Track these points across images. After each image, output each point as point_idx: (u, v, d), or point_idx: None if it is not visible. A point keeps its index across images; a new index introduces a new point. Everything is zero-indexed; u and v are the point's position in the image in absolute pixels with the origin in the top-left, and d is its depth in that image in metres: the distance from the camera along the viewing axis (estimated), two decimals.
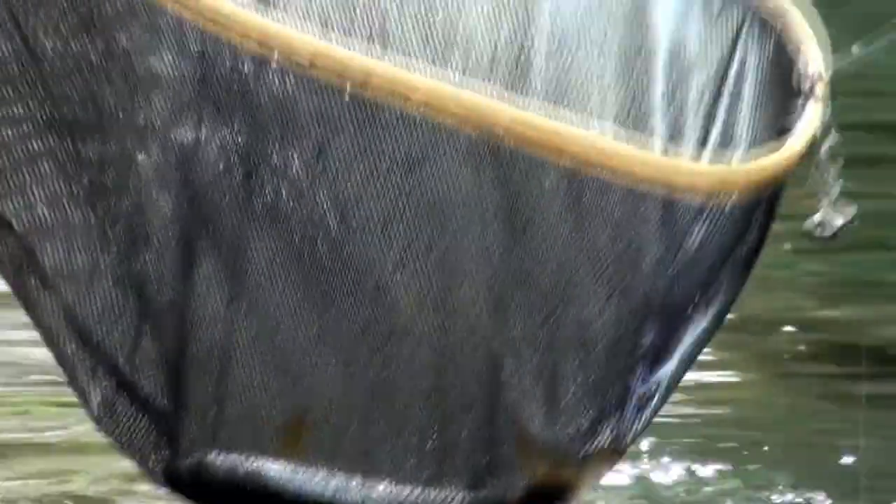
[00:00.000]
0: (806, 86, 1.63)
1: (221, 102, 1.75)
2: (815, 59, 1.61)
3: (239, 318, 1.71)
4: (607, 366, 1.71)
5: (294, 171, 1.73)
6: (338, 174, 1.70)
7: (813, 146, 1.64)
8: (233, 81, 1.74)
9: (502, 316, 1.69)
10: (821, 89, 1.60)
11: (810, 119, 1.60)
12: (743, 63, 1.72)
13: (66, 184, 1.81)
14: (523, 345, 1.70)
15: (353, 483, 1.75)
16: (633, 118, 1.77)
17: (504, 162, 1.70)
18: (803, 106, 1.62)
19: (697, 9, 1.73)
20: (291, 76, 1.73)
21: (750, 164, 1.62)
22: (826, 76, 1.61)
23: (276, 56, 1.73)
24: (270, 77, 1.72)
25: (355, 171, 1.70)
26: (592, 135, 1.71)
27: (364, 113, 1.72)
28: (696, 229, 1.73)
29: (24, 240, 1.80)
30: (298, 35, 1.75)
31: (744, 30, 1.71)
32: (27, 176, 1.80)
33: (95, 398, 1.84)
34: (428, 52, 1.79)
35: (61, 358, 1.83)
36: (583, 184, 1.72)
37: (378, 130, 1.72)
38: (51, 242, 1.78)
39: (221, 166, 1.74)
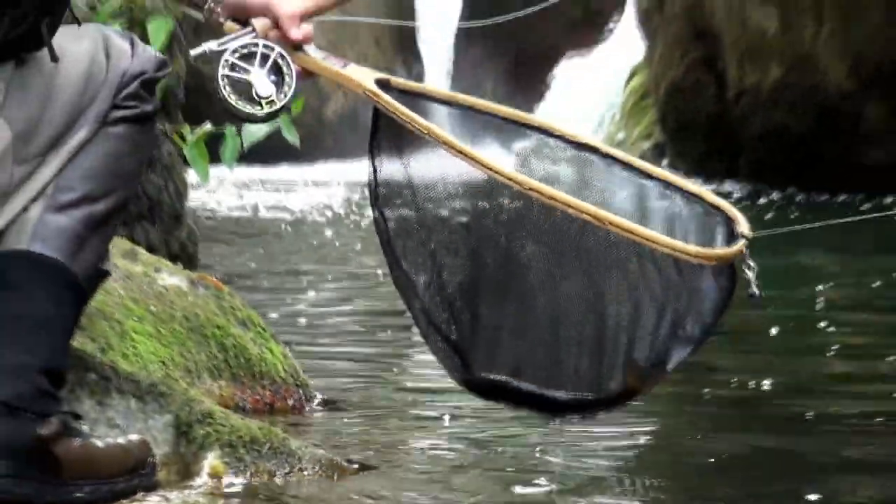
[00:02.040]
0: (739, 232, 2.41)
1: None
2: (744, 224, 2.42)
3: (497, 310, 2.59)
4: (655, 343, 2.51)
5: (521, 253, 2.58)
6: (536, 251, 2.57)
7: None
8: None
9: (605, 317, 2.52)
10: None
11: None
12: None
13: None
14: (619, 329, 2.51)
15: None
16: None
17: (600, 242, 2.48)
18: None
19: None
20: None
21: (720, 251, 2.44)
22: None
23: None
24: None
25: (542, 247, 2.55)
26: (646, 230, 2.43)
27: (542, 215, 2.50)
28: (696, 279, 2.44)
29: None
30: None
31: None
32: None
33: (433, 345, 2.65)
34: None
35: (419, 326, 2.66)
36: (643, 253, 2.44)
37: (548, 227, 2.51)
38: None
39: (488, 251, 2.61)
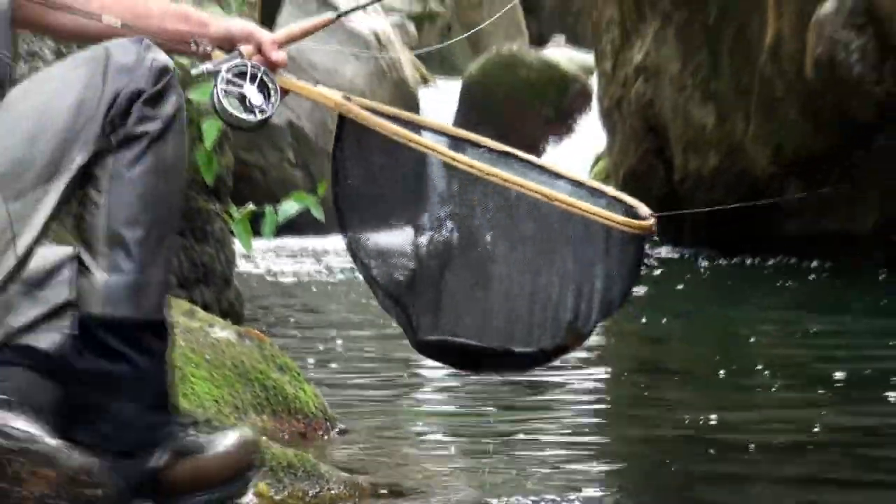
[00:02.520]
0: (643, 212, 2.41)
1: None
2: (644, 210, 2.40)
3: (445, 276, 2.46)
4: (576, 303, 2.39)
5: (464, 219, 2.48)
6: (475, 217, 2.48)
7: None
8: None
9: (537, 273, 2.41)
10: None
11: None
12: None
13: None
14: (548, 286, 2.40)
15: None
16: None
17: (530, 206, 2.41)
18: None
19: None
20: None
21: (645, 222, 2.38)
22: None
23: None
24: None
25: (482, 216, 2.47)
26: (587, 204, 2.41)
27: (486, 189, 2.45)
28: (610, 247, 2.39)
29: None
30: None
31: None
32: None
33: (388, 310, 2.50)
34: None
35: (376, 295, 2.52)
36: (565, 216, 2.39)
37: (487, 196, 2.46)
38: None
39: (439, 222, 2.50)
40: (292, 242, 10.53)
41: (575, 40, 17.79)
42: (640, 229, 2.37)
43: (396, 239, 2.50)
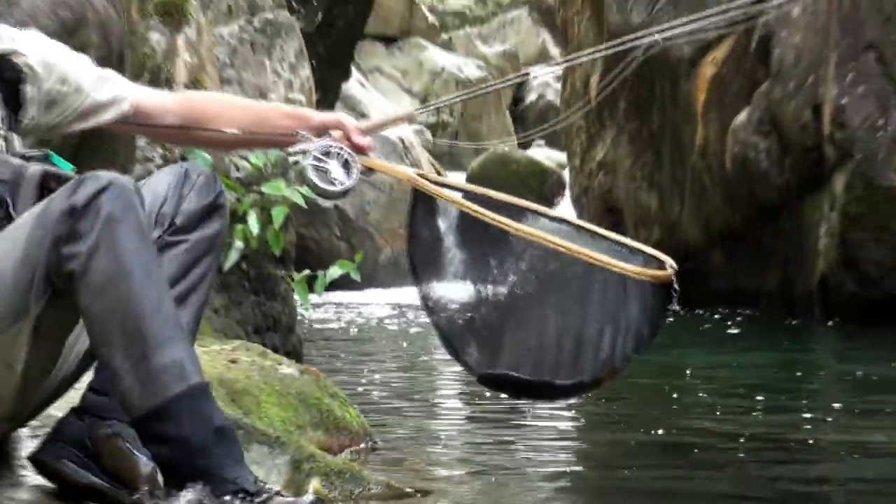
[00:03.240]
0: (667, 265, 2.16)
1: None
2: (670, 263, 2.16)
3: (502, 321, 2.27)
4: (613, 343, 2.18)
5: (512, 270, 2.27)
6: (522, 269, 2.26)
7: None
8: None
9: (580, 319, 2.21)
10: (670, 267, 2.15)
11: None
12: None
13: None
14: (589, 330, 2.19)
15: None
16: None
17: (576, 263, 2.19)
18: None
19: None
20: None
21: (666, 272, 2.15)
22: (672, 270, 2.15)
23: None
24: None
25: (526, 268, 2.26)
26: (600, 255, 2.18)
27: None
28: (639, 295, 2.16)
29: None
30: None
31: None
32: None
33: (452, 348, 2.29)
34: None
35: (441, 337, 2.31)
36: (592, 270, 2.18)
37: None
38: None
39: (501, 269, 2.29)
40: (338, 297, 10.50)
41: (552, 143, 17.77)
42: (664, 280, 2.15)
43: (460, 289, 2.32)
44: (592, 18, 11.09)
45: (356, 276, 4.38)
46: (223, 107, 2.40)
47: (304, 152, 2.31)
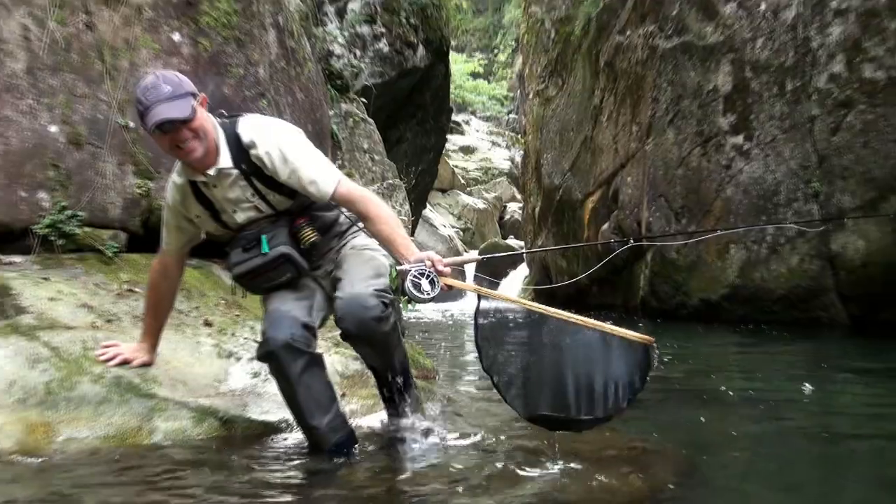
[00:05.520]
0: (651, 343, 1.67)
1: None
2: (652, 343, 1.66)
3: (543, 377, 1.76)
4: (614, 393, 1.70)
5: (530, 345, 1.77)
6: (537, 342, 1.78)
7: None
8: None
9: (596, 372, 1.71)
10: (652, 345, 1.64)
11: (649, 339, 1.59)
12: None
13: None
14: (603, 380, 1.70)
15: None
16: None
17: (590, 335, 1.72)
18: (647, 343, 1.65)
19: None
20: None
21: (649, 337, 1.67)
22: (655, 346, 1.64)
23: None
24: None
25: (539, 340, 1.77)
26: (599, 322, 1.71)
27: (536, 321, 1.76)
28: (632, 356, 1.71)
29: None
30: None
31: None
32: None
33: (509, 397, 1.73)
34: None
35: (502, 393, 1.70)
36: (601, 342, 1.71)
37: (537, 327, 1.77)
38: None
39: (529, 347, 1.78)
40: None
41: (517, 237, 17.53)
42: (648, 342, 1.69)
43: (514, 358, 1.80)
44: (535, 181, 11.19)
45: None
46: (381, 215, 1.93)
47: (407, 271, 1.89)
